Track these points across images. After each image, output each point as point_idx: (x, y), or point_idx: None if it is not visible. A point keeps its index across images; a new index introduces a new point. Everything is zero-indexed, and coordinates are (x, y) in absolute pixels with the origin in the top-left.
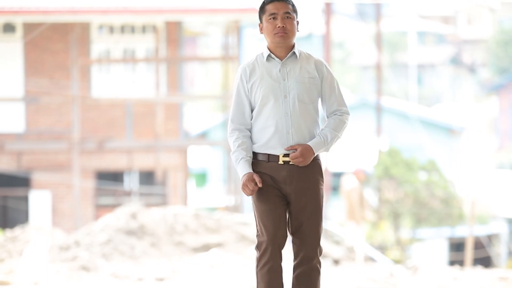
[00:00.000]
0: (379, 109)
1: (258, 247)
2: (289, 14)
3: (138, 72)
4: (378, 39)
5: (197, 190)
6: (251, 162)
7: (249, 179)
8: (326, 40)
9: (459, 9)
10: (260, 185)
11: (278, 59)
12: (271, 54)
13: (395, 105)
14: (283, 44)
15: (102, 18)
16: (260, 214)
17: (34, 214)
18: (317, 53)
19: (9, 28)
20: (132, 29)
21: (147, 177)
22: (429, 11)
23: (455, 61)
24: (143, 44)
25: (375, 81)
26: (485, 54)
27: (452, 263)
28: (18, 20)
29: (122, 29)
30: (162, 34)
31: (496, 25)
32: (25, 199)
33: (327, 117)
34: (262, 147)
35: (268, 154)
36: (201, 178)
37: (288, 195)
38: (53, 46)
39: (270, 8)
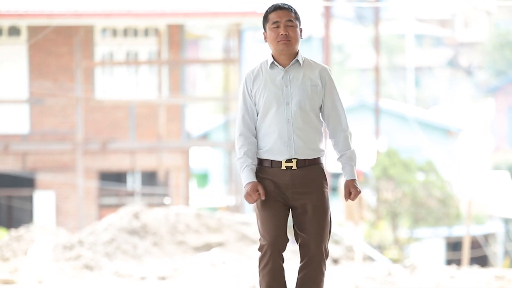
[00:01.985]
0: (377, 111)
1: (260, 249)
2: (292, 22)
3: (140, 74)
4: (377, 42)
5: (199, 190)
6: (255, 170)
7: (253, 189)
8: (326, 43)
9: (456, 12)
10: (263, 197)
11: (281, 66)
12: (275, 61)
13: (393, 107)
14: (286, 52)
15: (105, 21)
16: (261, 219)
17: (38, 213)
18: (317, 56)
19: (14, 31)
20: (135, 32)
21: (150, 178)
22: (426, 14)
23: (452, 63)
24: (145, 47)
25: (373, 83)
26: (482, 56)
27: (449, 262)
28: (23, 24)
29: (125, 32)
30: (164, 37)
31: (493, 28)
32: (30, 199)
33: (329, 130)
34: (265, 153)
35: (271, 160)
36: (203, 178)
37: (291, 199)
38: (57, 49)
39: (273, 16)
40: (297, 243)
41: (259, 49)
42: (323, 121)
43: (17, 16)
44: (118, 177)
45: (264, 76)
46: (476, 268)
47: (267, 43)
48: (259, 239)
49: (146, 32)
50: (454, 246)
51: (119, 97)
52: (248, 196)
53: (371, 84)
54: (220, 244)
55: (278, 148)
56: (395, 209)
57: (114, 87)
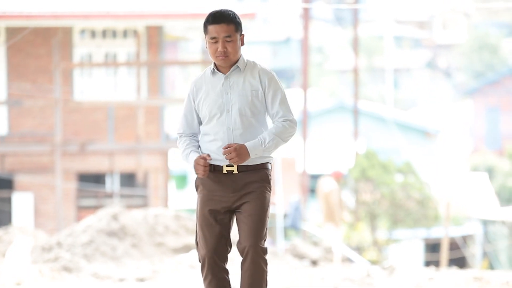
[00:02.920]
0: (356, 112)
1: (199, 260)
2: (230, 38)
3: (119, 76)
4: (355, 44)
5: (178, 192)
6: (199, 152)
7: (198, 161)
8: (304, 44)
9: (435, 14)
10: (210, 158)
11: (221, 73)
12: (215, 68)
13: (372, 109)
14: (224, 65)
15: (84, 22)
16: (198, 229)
17: (17, 215)
18: (296, 58)
19: None
20: (114, 34)
21: (129, 179)
22: (405, 16)
23: (431, 65)
24: (124, 48)
25: (352, 85)
26: (460, 58)
27: (427, 263)
28: (1, 25)
29: (104, 33)
30: (143, 38)
31: (471, 30)
32: (8, 200)
33: (272, 121)
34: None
35: (214, 165)
36: (182, 180)
37: (233, 202)
38: (36, 50)
39: (210, 30)
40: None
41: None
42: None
43: None
44: (96, 179)
45: (206, 85)
46: (454, 269)
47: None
48: (196, 248)
49: (125, 34)
50: (432, 247)
51: (97, 98)
52: (197, 166)
53: (350, 86)
54: None
55: (219, 155)
56: (373, 210)
57: (93, 88)
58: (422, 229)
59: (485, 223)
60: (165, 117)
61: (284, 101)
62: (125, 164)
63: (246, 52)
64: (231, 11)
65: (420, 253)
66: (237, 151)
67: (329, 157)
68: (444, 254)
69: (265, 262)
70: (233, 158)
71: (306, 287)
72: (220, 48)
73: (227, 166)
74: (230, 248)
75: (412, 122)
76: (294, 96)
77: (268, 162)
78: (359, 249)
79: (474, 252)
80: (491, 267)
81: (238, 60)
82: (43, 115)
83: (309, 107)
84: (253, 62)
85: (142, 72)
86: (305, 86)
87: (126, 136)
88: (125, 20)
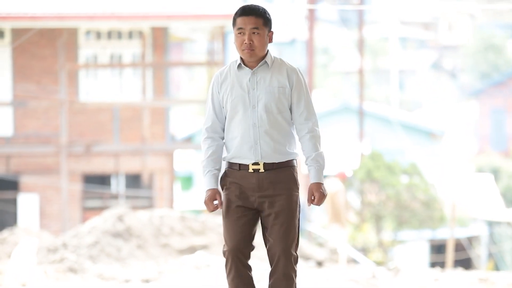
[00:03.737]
0: (361, 114)
1: (223, 255)
2: (257, 30)
3: (124, 77)
4: (361, 45)
5: (183, 193)
6: (218, 176)
7: (211, 198)
8: (310, 45)
9: (440, 15)
10: (220, 207)
11: (248, 68)
12: (242, 63)
13: (377, 110)
14: (249, 60)
15: (89, 23)
16: (225, 225)
17: (22, 216)
18: (301, 59)
19: None
20: (119, 35)
21: (134, 180)
22: (410, 17)
23: (436, 66)
24: (129, 50)
25: (357, 86)
26: (465, 59)
27: (433, 265)
28: (6, 26)
29: (109, 34)
30: (148, 39)
31: (476, 31)
32: (14, 201)
33: (298, 131)
34: (233, 157)
35: (239, 164)
36: (187, 181)
37: (258, 203)
38: (41, 52)
39: (239, 22)
40: (266, 247)
41: None
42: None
43: (0, 18)
44: (102, 180)
45: (231, 78)
46: (460, 270)
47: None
48: (223, 245)
49: (130, 35)
50: (438, 248)
51: (103, 99)
52: (205, 205)
53: (355, 87)
54: (204, 247)
55: (245, 153)
56: (379, 211)
57: (98, 89)
58: (428, 230)
59: (491, 224)
60: (170, 118)
61: (308, 101)
62: (130, 165)
63: None
64: (262, 7)
65: (425, 254)
66: (319, 193)
67: (334, 158)
68: (450, 255)
69: (296, 273)
70: (319, 202)
71: None
72: (246, 40)
73: (253, 164)
74: (254, 246)
75: (417, 123)
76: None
77: (294, 159)
78: (364, 250)
79: (479, 253)
80: (497, 268)
81: (265, 56)
82: (48, 116)
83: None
84: (280, 59)
85: (147, 73)
86: (310, 87)
87: (132, 137)
88: (130, 21)
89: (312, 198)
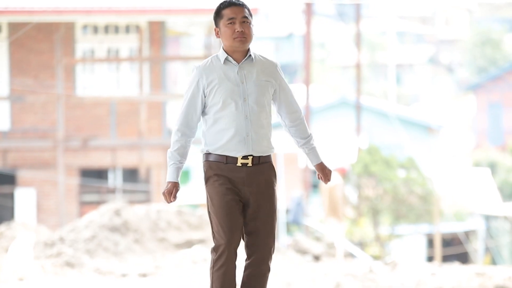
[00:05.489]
0: (358, 108)
1: (215, 250)
2: (247, 19)
3: (121, 72)
4: (358, 39)
5: (180, 187)
6: (181, 169)
7: (169, 191)
8: (307, 40)
9: (437, 10)
10: (174, 200)
11: (235, 62)
12: (229, 57)
13: (375, 104)
14: (241, 48)
15: (86, 18)
16: (218, 218)
17: (19, 211)
18: (298, 53)
19: None
20: (116, 29)
21: (131, 175)
22: (407, 11)
23: (433, 60)
24: (126, 44)
25: (355, 81)
26: (463, 54)
27: (430, 259)
28: (3, 20)
29: (106, 29)
30: (145, 34)
31: (474, 25)
32: (11, 196)
33: (288, 121)
34: (219, 149)
35: (226, 156)
36: (184, 175)
37: (245, 197)
38: (38, 46)
39: (228, 12)
40: (243, 239)
41: None
42: (278, 115)
43: None
44: (99, 174)
45: (217, 72)
46: (457, 265)
47: (219, 39)
48: (213, 238)
49: (127, 29)
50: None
51: (100, 94)
52: (164, 196)
53: (352, 81)
54: (201, 241)
55: (235, 145)
56: (376, 206)
57: (95, 84)
58: (425, 225)
59: (488, 218)
60: (167, 113)
61: (292, 92)
62: (127, 159)
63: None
64: None
65: (422, 249)
66: (328, 169)
67: (332, 152)
68: (438, 249)
69: (269, 270)
70: (328, 179)
71: (308, 282)
72: (238, 28)
73: (242, 158)
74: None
75: (414, 117)
76: (296, 91)
77: (272, 153)
78: (361, 245)
79: (476, 247)
80: (494, 262)
81: (249, 50)
82: (45, 111)
83: (312, 102)
84: (259, 54)
85: (144, 67)
86: (307, 82)
87: (129, 132)
88: (127, 16)
89: (326, 175)
